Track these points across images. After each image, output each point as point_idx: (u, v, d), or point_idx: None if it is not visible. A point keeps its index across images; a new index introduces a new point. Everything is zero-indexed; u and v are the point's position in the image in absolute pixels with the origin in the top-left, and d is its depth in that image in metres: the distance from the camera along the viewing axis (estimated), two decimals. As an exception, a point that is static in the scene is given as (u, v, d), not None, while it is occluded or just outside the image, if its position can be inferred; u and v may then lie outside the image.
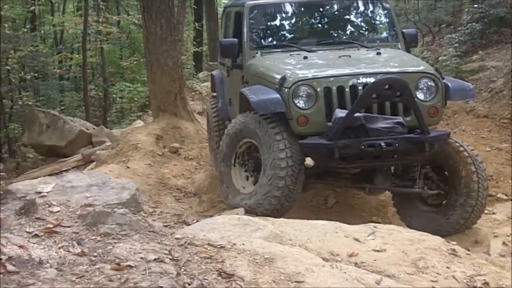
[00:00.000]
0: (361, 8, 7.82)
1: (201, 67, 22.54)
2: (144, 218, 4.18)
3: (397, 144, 5.76)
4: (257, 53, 7.10)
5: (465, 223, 6.24)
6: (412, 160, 6.10)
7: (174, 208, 8.01)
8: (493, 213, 7.13)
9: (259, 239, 4.07)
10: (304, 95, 6.00)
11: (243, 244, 3.86)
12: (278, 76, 6.19)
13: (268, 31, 7.57)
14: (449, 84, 6.30)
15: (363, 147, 5.74)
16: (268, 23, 7.60)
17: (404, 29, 7.57)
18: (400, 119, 5.91)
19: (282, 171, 5.84)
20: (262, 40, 7.39)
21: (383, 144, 5.72)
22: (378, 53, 6.81)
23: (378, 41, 7.43)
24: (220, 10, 32.55)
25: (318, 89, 5.98)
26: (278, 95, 6.00)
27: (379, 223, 6.02)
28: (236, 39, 7.26)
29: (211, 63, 20.04)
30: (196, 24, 23.46)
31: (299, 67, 6.46)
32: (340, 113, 5.79)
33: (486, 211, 7.14)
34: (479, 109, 10.95)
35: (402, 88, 5.81)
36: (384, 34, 7.62)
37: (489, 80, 11.92)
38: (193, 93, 15.72)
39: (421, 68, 6.41)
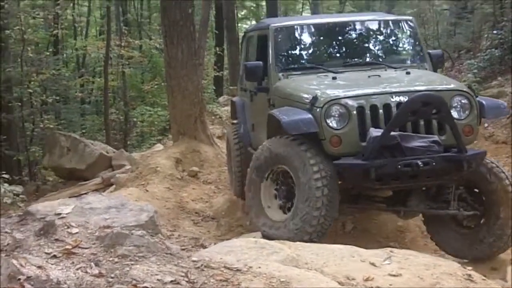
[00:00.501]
0: (387, 29, 7.78)
1: (222, 91, 22.68)
2: (162, 240, 4.20)
3: (434, 163, 5.63)
4: (283, 75, 7.00)
5: (503, 246, 6.17)
6: (449, 179, 5.96)
7: (192, 232, 8.04)
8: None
9: (276, 263, 4.08)
10: (336, 115, 5.87)
11: (259, 267, 3.88)
12: (309, 96, 6.07)
13: (294, 53, 7.53)
14: (483, 102, 6.20)
15: (399, 166, 5.61)
16: (293, 45, 7.55)
17: (430, 51, 7.51)
18: (436, 137, 5.79)
19: (317, 201, 5.69)
20: (288, 62, 7.30)
21: (420, 163, 5.58)
22: (408, 73, 6.71)
23: (404, 62, 7.38)
24: (241, 35, 32.95)
25: (351, 109, 5.86)
26: (310, 115, 5.87)
27: (396, 248, 5.99)
28: (261, 62, 7.17)
29: (231, 87, 20.15)
30: (217, 48, 23.67)
31: (329, 87, 6.35)
32: (375, 132, 5.68)
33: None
34: (497, 135, 10.90)
35: (440, 105, 5.69)
36: (411, 55, 7.56)
37: (508, 105, 11.87)
38: (213, 117, 15.79)
39: (454, 86, 6.32)
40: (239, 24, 30.73)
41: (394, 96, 5.88)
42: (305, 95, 6.19)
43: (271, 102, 6.96)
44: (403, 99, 5.81)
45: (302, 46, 7.63)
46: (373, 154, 5.59)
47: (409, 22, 7.64)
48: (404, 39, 7.74)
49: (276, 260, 4.17)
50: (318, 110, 5.86)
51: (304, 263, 4.28)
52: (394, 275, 4.22)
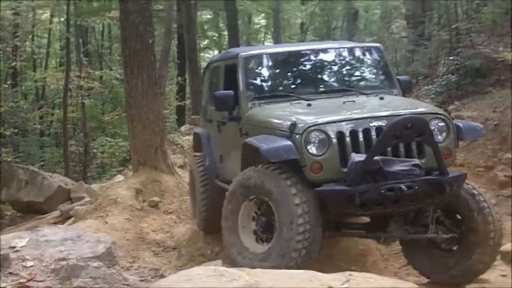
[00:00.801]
0: (356, 56, 7.78)
1: (184, 121, 22.65)
2: (119, 271, 4.16)
3: (416, 187, 5.59)
4: (254, 104, 6.91)
5: (482, 268, 6.19)
6: (431, 203, 5.91)
7: (152, 263, 7.94)
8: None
9: (234, 290, 4.05)
10: (316, 141, 5.80)
11: (218, 295, 3.84)
12: (287, 123, 6.01)
13: (264, 82, 7.47)
14: (460, 125, 6.22)
15: (382, 191, 5.53)
16: (264, 74, 7.51)
17: (398, 77, 7.56)
18: (417, 161, 5.75)
19: (299, 235, 5.59)
20: (259, 91, 7.20)
21: (403, 187, 5.53)
22: (381, 98, 6.71)
23: (375, 88, 7.33)
24: (203, 64, 33.02)
25: (331, 134, 5.80)
26: (290, 142, 5.79)
27: (357, 271, 5.98)
28: (231, 91, 7.07)
29: (193, 116, 20.14)
30: (179, 78, 23.69)
31: (307, 113, 6.27)
32: (357, 157, 5.63)
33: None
34: (456, 158, 11.03)
35: (423, 128, 5.66)
36: (380, 81, 7.52)
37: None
38: (174, 147, 15.72)
39: (431, 109, 6.34)
40: (201, 54, 30.85)
41: (373, 121, 5.86)
42: (283, 122, 6.15)
43: (244, 131, 6.87)
44: (383, 123, 5.82)
45: (273, 74, 7.60)
46: (356, 179, 5.55)
47: (377, 49, 7.66)
48: (373, 66, 7.74)
49: (235, 287, 4.14)
50: (297, 136, 5.80)
51: (263, 289, 4.26)
52: (353, 299, 4.23)
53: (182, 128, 19.12)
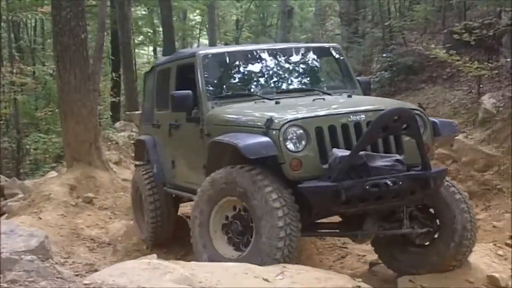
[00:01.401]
0: (316, 56, 7.69)
1: (119, 117, 22.43)
2: (53, 265, 4.14)
3: (401, 182, 5.40)
4: (215, 103, 6.66)
5: (457, 262, 6.07)
6: (414, 200, 5.75)
7: (87, 258, 7.90)
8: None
9: (169, 282, 4.09)
10: (295, 137, 5.53)
11: (152, 287, 3.87)
12: (262, 119, 5.71)
13: (225, 81, 7.22)
14: (436, 121, 6.15)
15: (367, 187, 5.31)
16: (223, 73, 7.26)
17: (358, 77, 7.52)
18: (398, 156, 5.61)
19: (280, 240, 5.27)
20: (220, 90, 6.97)
21: (389, 182, 5.34)
22: (349, 96, 6.66)
23: (337, 88, 7.23)
24: (139, 60, 32.75)
25: (310, 130, 5.55)
26: (268, 138, 5.49)
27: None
28: (190, 91, 6.73)
29: (128, 112, 19.98)
30: (114, 74, 23.43)
31: (280, 110, 5.98)
32: (340, 152, 5.43)
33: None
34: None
35: (410, 120, 5.45)
36: (342, 81, 7.43)
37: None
38: (109, 143, 15.58)
39: (405, 105, 6.21)
40: (136, 50, 30.57)
41: (352, 116, 5.70)
42: (256, 119, 5.89)
43: (206, 131, 6.59)
44: (361, 118, 5.67)
45: (233, 74, 7.36)
46: (341, 175, 5.32)
47: (337, 50, 7.61)
48: (334, 66, 7.68)
49: (170, 279, 4.18)
50: (274, 132, 5.51)
51: (198, 281, 4.31)
52: (286, 289, 4.32)
53: (117, 125, 18.96)
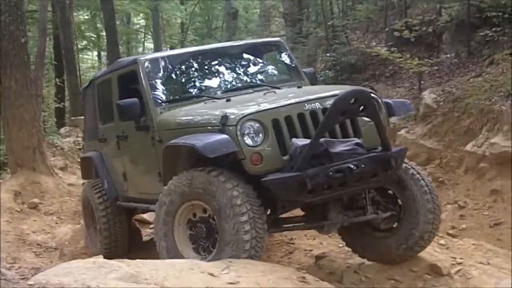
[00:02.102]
0: (262, 52, 7.59)
1: (64, 123, 22.13)
2: (-4, 268, 4.10)
3: (363, 165, 5.34)
4: (164, 108, 6.47)
5: (422, 245, 6.08)
6: (377, 182, 5.69)
7: (34, 263, 7.82)
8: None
9: (114, 280, 4.08)
10: (252, 131, 5.41)
11: (98, 286, 3.86)
12: (216, 117, 5.58)
13: (170, 85, 7.02)
14: (390, 102, 6.12)
15: (331, 173, 5.22)
16: (168, 77, 7.05)
17: (303, 69, 7.46)
18: (357, 140, 5.54)
19: (246, 242, 5.14)
20: (166, 94, 6.71)
21: (352, 166, 5.27)
22: (299, 87, 6.63)
23: (285, 81, 7.14)
24: (83, 66, 32.35)
25: (266, 123, 5.43)
26: (225, 136, 5.34)
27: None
28: (136, 99, 6.49)
29: (73, 118, 19.77)
30: (57, 80, 23.11)
31: (233, 107, 5.83)
32: (300, 141, 5.33)
33: (340, 245, 7.49)
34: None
35: (367, 101, 5.37)
36: (289, 74, 7.37)
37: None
38: (54, 149, 15.40)
39: (358, 87, 6.15)
40: (80, 55, 30.21)
41: (306, 105, 5.61)
42: (210, 118, 5.73)
43: (158, 138, 6.39)
44: (316, 106, 5.59)
45: (178, 77, 7.15)
46: (304, 164, 5.23)
47: (280, 44, 7.58)
48: (279, 60, 7.62)
49: (115, 277, 4.17)
50: (231, 128, 5.38)
51: (143, 278, 4.31)
52: (232, 283, 4.36)
53: (62, 130, 18.77)
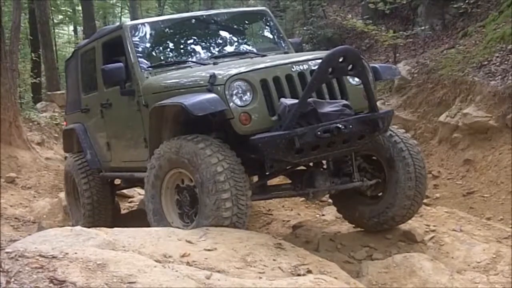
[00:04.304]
0: (248, 20, 7.65)
1: (40, 98, 21.98)
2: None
3: (351, 126, 5.35)
4: (150, 73, 6.44)
5: (407, 213, 6.14)
6: (363, 144, 5.71)
7: (12, 236, 7.79)
8: (323, 215, 7.49)
9: (92, 247, 4.12)
10: (240, 91, 5.41)
11: (76, 253, 3.89)
12: (204, 77, 5.57)
13: (156, 50, 7.02)
14: (376, 66, 6.08)
15: (319, 133, 5.23)
16: (153, 42, 7.03)
17: (289, 40, 7.48)
18: (345, 101, 5.53)
19: (225, 201, 5.11)
20: (152, 60, 6.72)
21: (340, 126, 5.26)
22: (286, 53, 6.65)
23: (272, 50, 7.13)
24: (58, 40, 32.06)
25: (255, 83, 5.42)
26: (214, 94, 5.30)
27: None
28: (121, 63, 6.48)
29: (49, 93, 19.64)
30: (33, 54, 22.90)
31: (221, 68, 5.79)
32: (288, 101, 5.33)
33: (317, 215, 7.60)
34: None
35: (356, 59, 5.32)
36: (275, 43, 7.36)
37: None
38: (31, 124, 15.32)
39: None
40: (56, 30, 29.93)
41: (294, 66, 5.58)
42: (198, 78, 5.72)
43: (143, 102, 6.36)
44: (304, 67, 5.58)
45: (164, 43, 7.15)
46: (293, 123, 5.23)
47: (265, 12, 7.54)
48: (265, 29, 7.59)
49: (92, 245, 4.23)
50: (219, 88, 5.34)
51: (121, 246, 4.37)
52: (209, 250, 4.44)
53: (39, 105, 18.65)
